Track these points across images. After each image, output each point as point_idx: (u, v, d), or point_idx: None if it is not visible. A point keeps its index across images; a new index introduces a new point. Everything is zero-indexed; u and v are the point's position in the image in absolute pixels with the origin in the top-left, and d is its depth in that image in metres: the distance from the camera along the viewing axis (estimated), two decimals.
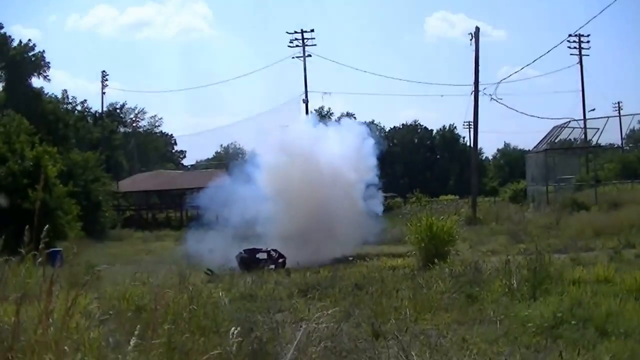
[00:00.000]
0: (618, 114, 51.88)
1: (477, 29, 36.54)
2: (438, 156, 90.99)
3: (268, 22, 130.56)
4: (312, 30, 53.40)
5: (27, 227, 4.27)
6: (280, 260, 18.96)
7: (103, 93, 60.04)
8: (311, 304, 9.53)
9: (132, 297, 7.87)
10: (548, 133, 42.14)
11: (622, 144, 45.45)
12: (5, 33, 53.46)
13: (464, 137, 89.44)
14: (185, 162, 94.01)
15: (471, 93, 36.86)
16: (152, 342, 4.49)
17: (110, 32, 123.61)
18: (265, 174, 22.61)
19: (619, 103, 62.95)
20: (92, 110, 68.52)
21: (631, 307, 8.38)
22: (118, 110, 77.34)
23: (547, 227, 24.41)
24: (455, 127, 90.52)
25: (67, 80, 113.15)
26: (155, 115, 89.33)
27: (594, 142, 41.04)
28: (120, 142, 71.39)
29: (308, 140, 22.98)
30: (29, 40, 56.27)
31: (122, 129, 77.78)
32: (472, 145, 46.42)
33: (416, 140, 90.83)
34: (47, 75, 55.02)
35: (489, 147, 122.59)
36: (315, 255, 18.87)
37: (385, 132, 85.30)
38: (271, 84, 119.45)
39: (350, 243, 21.83)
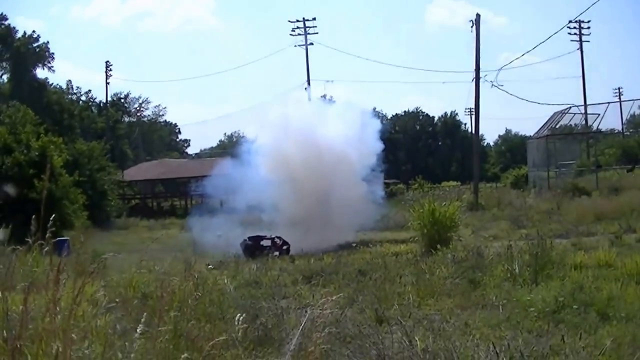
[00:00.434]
0: (618, 100, 51.83)
1: (478, 16, 36.51)
2: (440, 143, 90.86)
3: (270, 11, 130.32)
4: (314, 19, 53.48)
5: (33, 216, 4.32)
6: (285, 247, 19.04)
7: (107, 83, 59.95)
8: (315, 290, 9.61)
9: (138, 284, 7.94)
10: (549, 119, 42.11)
11: (622, 129, 45.45)
12: (9, 25, 53.73)
13: (465, 124, 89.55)
14: (190, 150, 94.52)
15: (472, 80, 36.88)
16: (158, 330, 4.54)
17: (114, 23, 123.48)
18: (268, 160, 22.61)
19: (619, 89, 62.99)
20: (97, 100, 68.71)
21: (632, 291, 8.42)
22: (122, 100, 77.50)
23: (549, 212, 24.45)
24: (456, 113, 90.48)
25: (72, 70, 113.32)
26: (159, 105, 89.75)
27: (594, 128, 41.04)
28: (125, 132, 71.62)
29: (310, 124, 22.84)
30: (33, 31, 56.45)
31: (126, 119, 77.97)
32: (473, 131, 46.38)
33: (418, 127, 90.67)
34: (52, 66, 55.31)
35: (490, 133, 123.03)
36: (319, 242, 18.93)
37: (388, 119, 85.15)
38: (274, 72, 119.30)
39: (353, 228, 21.89)
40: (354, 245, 17.85)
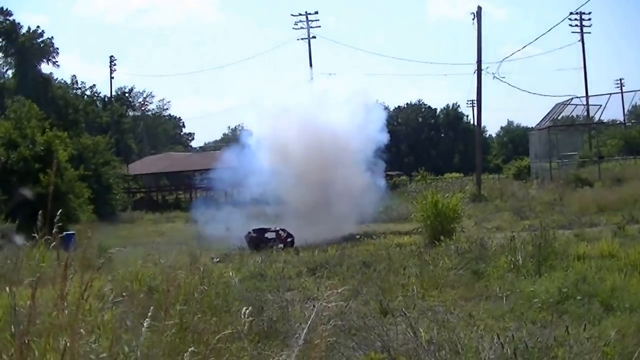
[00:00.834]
0: (620, 91, 51.58)
1: (479, 8, 36.59)
2: (442, 135, 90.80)
3: (273, 5, 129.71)
4: (316, 12, 53.49)
5: (40, 211, 4.33)
6: (289, 239, 19.08)
7: (111, 78, 60.02)
8: (320, 283, 9.63)
9: (143, 278, 7.97)
10: (551, 110, 42.03)
11: (624, 120, 45.26)
12: (14, 20, 53.65)
13: (467, 116, 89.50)
14: (194, 144, 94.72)
15: (474, 72, 36.90)
16: (165, 324, 4.57)
17: (118, 17, 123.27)
18: (269, 150, 22.59)
19: (620, 80, 62.56)
20: (101, 95, 68.88)
21: (636, 281, 8.42)
22: (127, 95, 77.55)
23: (551, 203, 24.44)
24: (459, 105, 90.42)
25: (76, 65, 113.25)
26: (163, 99, 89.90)
27: (596, 119, 40.98)
28: (130, 126, 71.72)
29: (312, 113, 22.69)
30: (38, 26, 56.53)
31: (131, 113, 78.12)
32: (475, 123, 46.31)
33: (420, 120, 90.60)
34: (56, 61, 55.33)
35: (492, 125, 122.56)
36: (323, 234, 18.98)
37: (390, 111, 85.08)
38: (277, 66, 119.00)
39: (356, 217, 21.89)
40: (357, 237, 17.89)
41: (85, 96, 64.43)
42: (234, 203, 21.76)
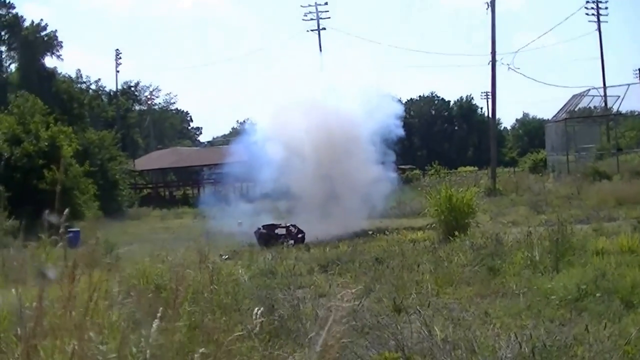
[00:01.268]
0: (639, 81, 50.95)
1: None
2: (456, 127, 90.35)
3: None
4: (326, 3, 53.36)
5: (46, 211, 4.24)
6: (300, 235, 18.97)
7: (117, 71, 60.23)
8: (332, 280, 9.52)
9: (151, 276, 7.90)
10: (567, 102, 41.61)
11: None
12: (17, 13, 53.69)
13: (481, 108, 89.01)
14: (202, 138, 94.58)
15: (488, 63, 36.59)
16: (175, 325, 4.47)
17: (123, 10, 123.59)
18: (280, 145, 22.45)
19: (639, 69, 61.74)
20: (107, 89, 68.86)
21: None
22: (132, 88, 77.60)
23: (568, 197, 24.13)
24: (472, 97, 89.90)
25: (81, 59, 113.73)
26: (170, 93, 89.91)
27: (614, 110, 40.38)
28: (136, 120, 71.81)
29: (322, 106, 22.52)
30: (41, 19, 56.67)
31: (137, 107, 78.09)
32: (490, 115, 46.01)
33: (433, 112, 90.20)
34: (60, 55, 55.34)
35: (507, 117, 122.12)
36: (334, 229, 18.86)
37: (402, 104, 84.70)
38: (286, 58, 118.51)
39: (367, 214, 21.74)
40: (370, 232, 17.73)
41: (90, 90, 64.25)
42: (243, 198, 21.62)
